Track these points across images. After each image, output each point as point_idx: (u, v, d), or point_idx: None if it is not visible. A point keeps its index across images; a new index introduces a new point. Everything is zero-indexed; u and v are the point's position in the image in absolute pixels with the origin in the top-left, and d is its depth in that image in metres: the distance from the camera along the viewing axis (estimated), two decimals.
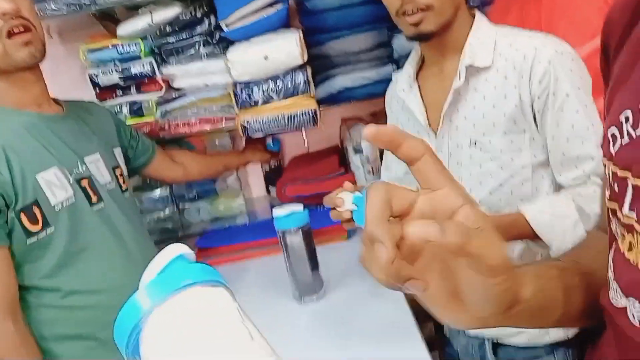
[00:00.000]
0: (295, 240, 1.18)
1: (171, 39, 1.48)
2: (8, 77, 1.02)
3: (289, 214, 1.18)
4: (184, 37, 1.47)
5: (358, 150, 1.58)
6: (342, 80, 1.55)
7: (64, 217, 1.01)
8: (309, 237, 1.19)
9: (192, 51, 1.48)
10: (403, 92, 1.09)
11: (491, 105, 0.96)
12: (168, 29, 1.47)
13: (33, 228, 0.96)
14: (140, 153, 1.38)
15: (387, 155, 1.22)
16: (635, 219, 0.37)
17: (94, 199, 1.07)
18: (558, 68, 0.91)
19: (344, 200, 0.91)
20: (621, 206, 0.39)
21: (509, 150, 0.96)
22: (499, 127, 0.95)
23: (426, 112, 1.06)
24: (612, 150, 0.41)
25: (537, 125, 0.95)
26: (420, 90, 1.08)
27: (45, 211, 0.98)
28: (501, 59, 0.95)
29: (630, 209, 0.38)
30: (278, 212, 1.19)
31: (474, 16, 1.02)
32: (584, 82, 0.93)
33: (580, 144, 0.92)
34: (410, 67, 1.10)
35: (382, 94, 1.59)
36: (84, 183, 1.07)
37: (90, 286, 1.04)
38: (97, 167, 1.12)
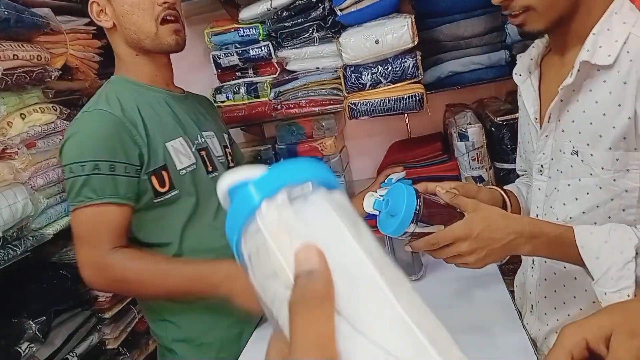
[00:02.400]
0: None
1: (287, 23, 1.55)
2: (148, 56, 1.15)
3: None
4: (299, 21, 1.54)
5: (463, 137, 1.56)
6: (451, 65, 1.54)
7: (188, 182, 1.12)
8: None
9: (306, 35, 1.55)
10: (519, 77, 0.98)
11: (601, 113, 0.81)
12: (285, 13, 1.55)
13: (161, 189, 1.09)
14: (233, 154, 1.39)
15: (520, 144, 1.12)
16: None
17: (210, 167, 1.18)
18: None
19: (363, 204, 0.84)
20: None
21: (612, 169, 0.81)
22: (605, 140, 0.81)
23: (540, 104, 0.94)
24: None
25: None
26: (541, 78, 0.96)
27: (172, 175, 1.10)
28: (626, 59, 0.78)
29: None
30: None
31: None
32: None
33: None
34: (535, 49, 0.98)
35: (492, 80, 1.57)
36: (203, 153, 1.18)
37: (205, 245, 1.14)
38: (212, 141, 1.24)
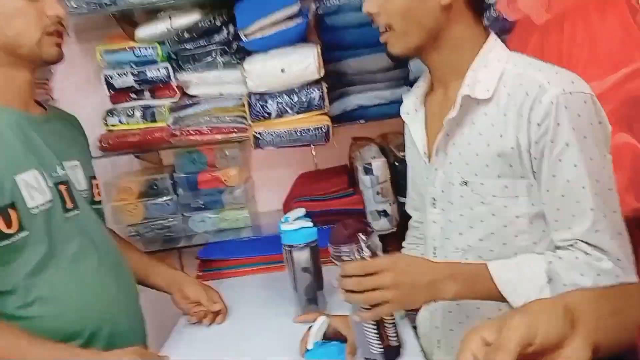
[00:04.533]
0: (302, 256, 1.15)
1: (189, 46, 1.48)
2: (13, 68, 0.99)
3: (298, 229, 1.15)
4: (202, 44, 1.48)
5: (368, 171, 1.56)
6: (357, 99, 1.55)
7: (40, 222, 0.96)
8: (316, 255, 1.16)
9: (209, 59, 1.49)
10: (407, 116, 1.02)
11: (485, 144, 0.85)
12: (186, 35, 1.47)
13: (8, 230, 0.91)
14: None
15: (408, 185, 1.16)
16: None
17: (70, 205, 1.03)
18: (562, 111, 0.77)
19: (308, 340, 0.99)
20: None
21: (502, 196, 0.85)
22: (493, 169, 0.85)
23: (427, 139, 0.98)
24: None
25: (534, 174, 0.83)
26: (426, 115, 1.00)
27: (22, 214, 0.93)
28: (504, 92, 0.84)
29: None
30: (286, 226, 1.17)
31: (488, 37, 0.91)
32: (595, 131, 0.79)
33: (574, 202, 0.79)
34: (418, 89, 1.02)
35: (396, 115, 1.58)
36: (62, 188, 1.02)
37: (57, 295, 0.98)
38: (75, 173, 1.08)
